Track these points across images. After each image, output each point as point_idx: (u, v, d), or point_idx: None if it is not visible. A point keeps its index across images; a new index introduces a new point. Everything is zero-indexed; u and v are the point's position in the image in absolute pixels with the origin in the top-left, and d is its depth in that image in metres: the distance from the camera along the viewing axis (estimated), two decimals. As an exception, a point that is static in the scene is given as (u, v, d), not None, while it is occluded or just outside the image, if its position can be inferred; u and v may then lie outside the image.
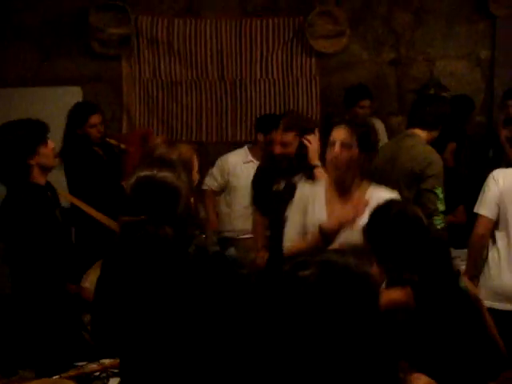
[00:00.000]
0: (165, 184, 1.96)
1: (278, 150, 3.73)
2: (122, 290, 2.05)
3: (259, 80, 5.90)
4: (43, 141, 3.26)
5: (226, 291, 2.01)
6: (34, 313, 3.29)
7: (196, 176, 2.72)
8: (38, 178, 3.29)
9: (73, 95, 5.65)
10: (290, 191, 3.40)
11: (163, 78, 5.90)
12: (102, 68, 5.83)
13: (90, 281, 3.36)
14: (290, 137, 3.72)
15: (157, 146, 2.72)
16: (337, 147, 2.90)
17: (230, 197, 4.98)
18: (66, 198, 3.89)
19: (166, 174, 1.98)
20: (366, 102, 5.38)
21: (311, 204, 3.05)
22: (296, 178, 3.63)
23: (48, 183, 3.41)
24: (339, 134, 2.92)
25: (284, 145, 3.71)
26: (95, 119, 4.65)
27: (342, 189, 2.98)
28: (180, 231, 1.95)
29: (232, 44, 5.85)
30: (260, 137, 4.85)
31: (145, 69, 5.89)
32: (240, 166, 4.89)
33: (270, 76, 5.90)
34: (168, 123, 5.94)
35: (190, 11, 5.84)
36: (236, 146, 5.32)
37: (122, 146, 4.74)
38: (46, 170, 3.33)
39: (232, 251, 2.20)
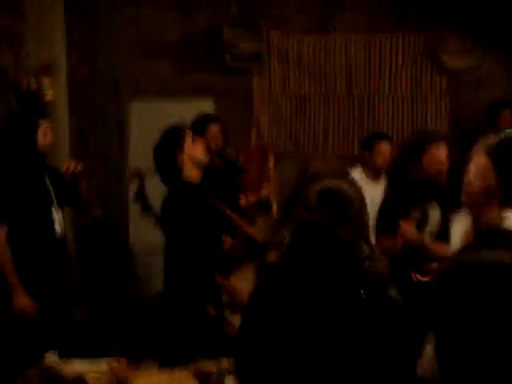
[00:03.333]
0: (346, 194, 2.00)
1: (445, 163, 3.57)
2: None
3: (387, 96, 5.90)
4: (184, 139, 3.58)
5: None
6: (180, 307, 3.55)
7: None
8: (192, 175, 3.58)
9: (206, 107, 5.89)
10: (425, 220, 3.34)
11: (292, 93, 6.02)
12: (233, 82, 6.02)
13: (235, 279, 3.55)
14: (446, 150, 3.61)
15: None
16: (470, 175, 2.63)
17: None
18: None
19: (347, 187, 2.02)
20: (508, 112, 5.35)
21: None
22: (428, 206, 3.52)
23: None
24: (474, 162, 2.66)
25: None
26: (215, 129, 4.68)
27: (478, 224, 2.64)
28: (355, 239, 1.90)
29: (361, 59, 5.90)
30: (365, 154, 4.90)
31: (275, 83, 6.04)
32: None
33: (398, 92, 5.89)
34: (296, 137, 6.04)
35: (319, 27, 5.95)
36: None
37: (240, 163, 4.73)
38: (197, 165, 3.62)
39: (394, 292, 2.03)
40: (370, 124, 5.91)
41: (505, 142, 2.59)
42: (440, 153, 3.56)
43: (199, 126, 4.63)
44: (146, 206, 4.04)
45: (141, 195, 4.04)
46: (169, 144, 3.60)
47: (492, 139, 2.62)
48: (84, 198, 4.08)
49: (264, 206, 4.45)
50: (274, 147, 5.90)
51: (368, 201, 4.39)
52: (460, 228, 3.00)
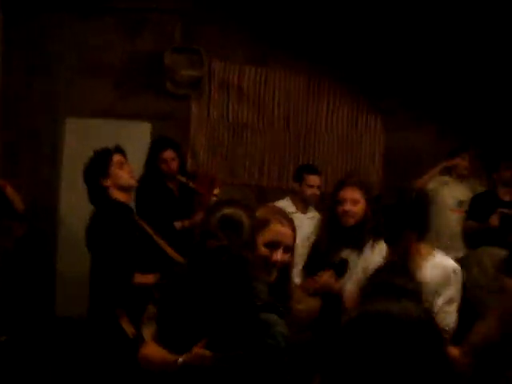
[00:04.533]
0: (239, 219, 2.28)
1: (347, 206, 3.52)
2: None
3: (323, 133, 5.99)
4: (110, 164, 3.65)
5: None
6: (100, 330, 3.52)
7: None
8: (120, 196, 3.68)
9: (143, 130, 5.87)
10: (342, 268, 3.39)
11: (230, 121, 6.05)
12: (172, 107, 6.01)
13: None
14: (357, 194, 3.58)
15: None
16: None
17: None
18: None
19: (240, 213, 2.31)
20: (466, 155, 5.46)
21: None
22: (346, 253, 3.51)
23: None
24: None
25: (354, 202, 3.55)
26: (166, 154, 4.83)
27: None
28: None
29: (299, 96, 5.97)
30: (296, 186, 5.05)
31: (213, 110, 6.06)
32: None
33: (334, 130, 5.98)
34: (230, 165, 6.07)
35: (261, 60, 6.00)
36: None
37: (191, 184, 4.88)
38: (124, 189, 3.70)
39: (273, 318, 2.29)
40: (305, 159, 5.96)
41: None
42: (344, 194, 3.59)
43: (154, 150, 4.90)
44: None
45: None
46: (95, 168, 3.66)
47: None
48: (16, 205, 4.03)
49: None
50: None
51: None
52: None
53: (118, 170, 3.70)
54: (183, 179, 4.91)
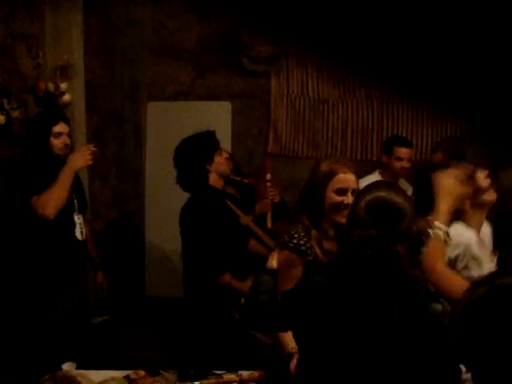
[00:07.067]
0: (396, 206, 1.95)
1: None
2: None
3: (407, 100, 5.80)
4: (218, 150, 3.69)
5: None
6: (205, 312, 3.56)
7: None
8: (216, 183, 3.70)
9: (223, 110, 5.89)
10: None
11: (310, 96, 5.97)
12: (251, 84, 5.98)
13: None
14: (438, 157, 3.55)
15: None
16: None
17: None
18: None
19: (396, 198, 1.98)
20: None
21: None
22: None
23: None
24: None
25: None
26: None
27: None
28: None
29: (381, 63, 5.81)
30: (384, 158, 4.93)
31: (293, 86, 5.98)
32: None
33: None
34: (313, 140, 5.98)
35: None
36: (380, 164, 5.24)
37: (245, 180, 4.49)
38: (222, 176, 3.74)
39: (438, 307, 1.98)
40: (390, 128, 5.81)
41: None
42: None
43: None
44: None
45: None
46: (200, 152, 3.63)
47: None
48: None
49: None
50: (291, 151, 5.91)
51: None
52: None
53: (220, 157, 3.71)
54: (238, 178, 4.44)
